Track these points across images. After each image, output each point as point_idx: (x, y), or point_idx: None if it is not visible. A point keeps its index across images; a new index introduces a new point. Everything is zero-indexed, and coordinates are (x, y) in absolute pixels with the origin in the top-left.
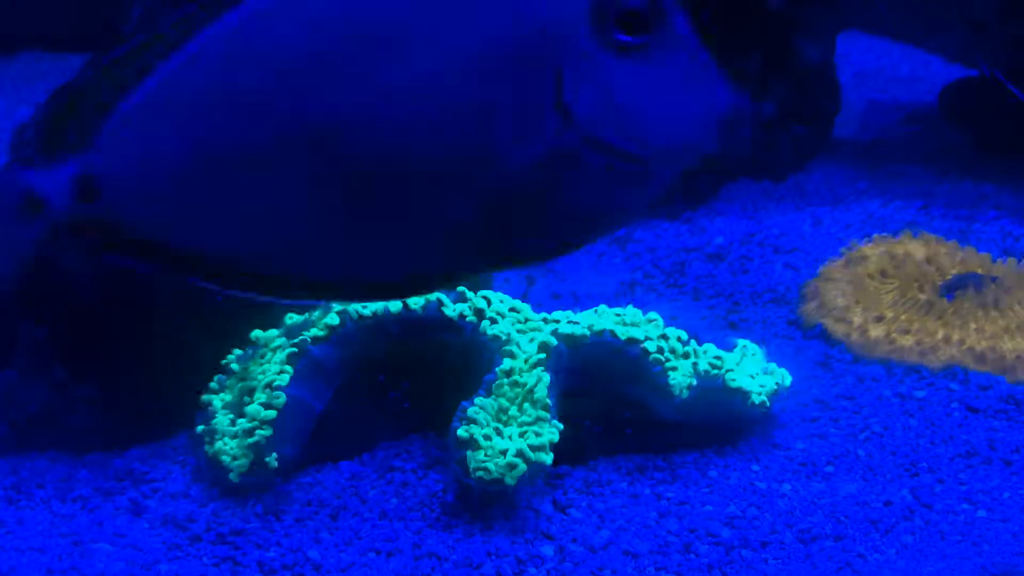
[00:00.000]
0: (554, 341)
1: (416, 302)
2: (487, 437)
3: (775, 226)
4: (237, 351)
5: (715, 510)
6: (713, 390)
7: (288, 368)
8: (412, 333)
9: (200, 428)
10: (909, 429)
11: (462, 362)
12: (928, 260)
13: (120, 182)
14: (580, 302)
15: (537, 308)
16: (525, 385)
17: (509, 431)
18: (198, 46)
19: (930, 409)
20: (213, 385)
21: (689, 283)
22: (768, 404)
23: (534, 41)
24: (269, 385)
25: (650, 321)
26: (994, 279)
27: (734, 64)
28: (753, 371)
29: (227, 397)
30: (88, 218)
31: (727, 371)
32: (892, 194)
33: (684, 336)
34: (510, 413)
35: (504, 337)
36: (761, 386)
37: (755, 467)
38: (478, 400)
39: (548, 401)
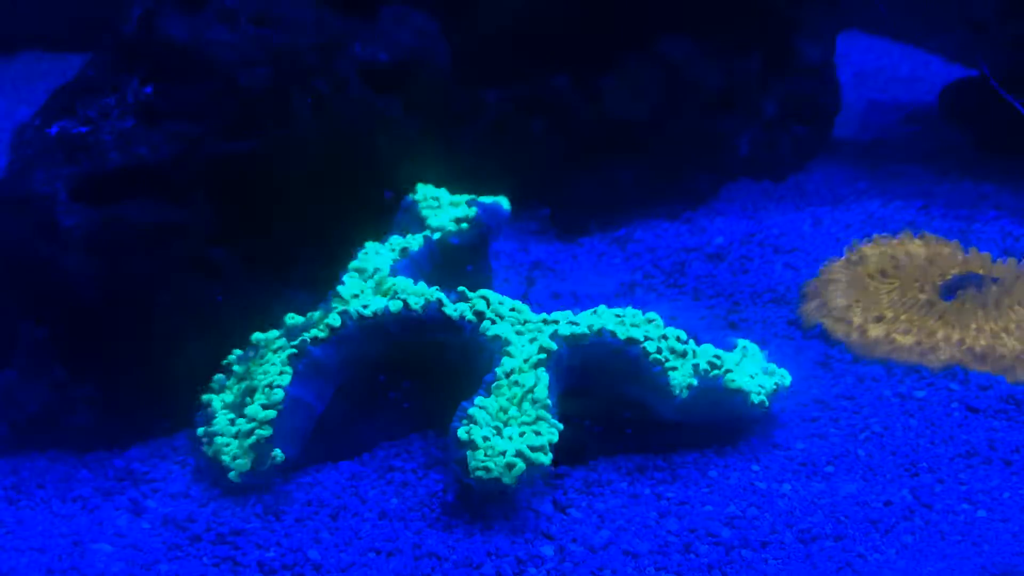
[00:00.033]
0: (554, 342)
1: (416, 302)
2: (487, 437)
3: (775, 226)
4: (237, 351)
5: (715, 510)
6: (713, 390)
7: (288, 368)
8: (412, 333)
9: (201, 430)
10: (909, 429)
11: (462, 362)
12: (928, 260)
13: None
14: (580, 302)
15: (537, 308)
16: (525, 385)
17: (509, 431)
18: None
19: (930, 409)
20: (213, 385)
21: (689, 283)
22: (768, 404)
23: None
24: (269, 385)
25: (650, 321)
26: (994, 279)
27: (734, 64)
28: (753, 371)
29: (227, 397)
30: None
31: (727, 371)
32: (892, 194)
33: (684, 336)
34: (510, 413)
35: (504, 337)
36: (761, 386)
37: (755, 467)
38: (478, 400)
39: (548, 401)
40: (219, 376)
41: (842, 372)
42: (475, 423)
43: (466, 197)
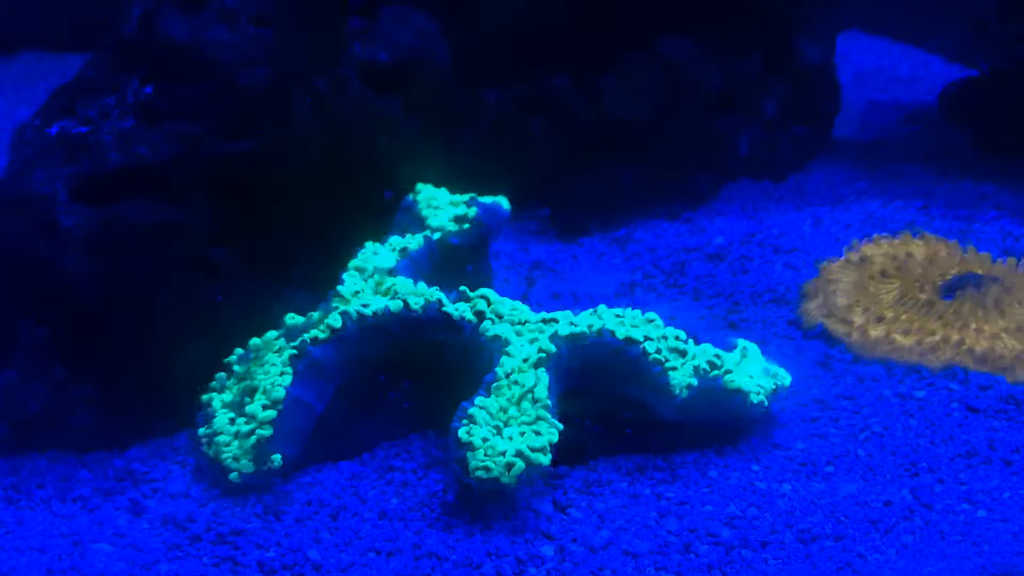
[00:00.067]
0: (553, 343)
1: (416, 302)
2: (486, 437)
3: (775, 226)
4: (238, 351)
5: (715, 510)
6: (713, 390)
7: (288, 369)
8: (412, 333)
9: (202, 431)
10: (909, 429)
11: (462, 362)
12: (928, 260)
13: None
14: (580, 302)
15: (537, 308)
16: (525, 385)
17: (509, 431)
18: None
19: (930, 409)
20: (213, 385)
21: (689, 283)
22: (767, 404)
23: None
24: (270, 385)
25: (649, 321)
26: (994, 279)
27: (734, 64)
28: (753, 371)
29: (227, 397)
30: None
31: (726, 371)
32: (892, 194)
33: (684, 336)
34: (510, 413)
35: (504, 337)
36: (760, 386)
37: (755, 467)
38: (478, 400)
39: (548, 401)
40: (220, 375)
41: (842, 372)
42: (475, 423)
43: (466, 197)
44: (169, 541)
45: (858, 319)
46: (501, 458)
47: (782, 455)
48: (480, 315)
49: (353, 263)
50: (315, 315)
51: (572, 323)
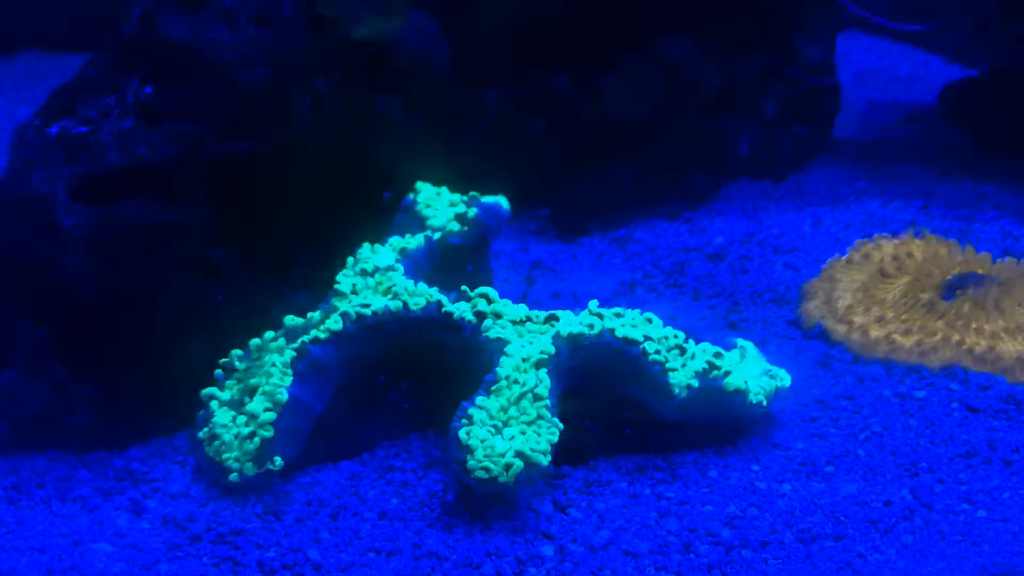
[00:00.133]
0: (554, 343)
1: (416, 303)
2: (486, 437)
3: (775, 226)
4: (237, 351)
5: (715, 510)
6: (712, 390)
7: (288, 370)
8: (412, 333)
9: (202, 432)
10: (909, 429)
11: (462, 362)
12: (928, 260)
13: None
14: (580, 302)
15: (537, 308)
16: (525, 385)
17: (509, 431)
18: None
19: (930, 409)
20: (214, 384)
21: (689, 283)
22: (767, 404)
23: None
24: (271, 387)
25: (649, 321)
26: (994, 279)
27: (734, 64)
28: (753, 371)
29: (227, 396)
30: None
31: (726, 372)
32: (892, 194)
33: (683, 336)
34: (510, 413)
35: (504, 337)
36: (760, 386)
37: (755, 467)
38: (478, 400)
39: (548, 401)
40: (219, 374)
41: (842, 372)
42: (475, 423)
43: (466, 197)
44: (169, 541)
45: (858, 319)
46: (501, 458)
47: (782, 455)
48: (480, 315)
49: (352, 263)
50: (315, 315)
51: (572, 323)
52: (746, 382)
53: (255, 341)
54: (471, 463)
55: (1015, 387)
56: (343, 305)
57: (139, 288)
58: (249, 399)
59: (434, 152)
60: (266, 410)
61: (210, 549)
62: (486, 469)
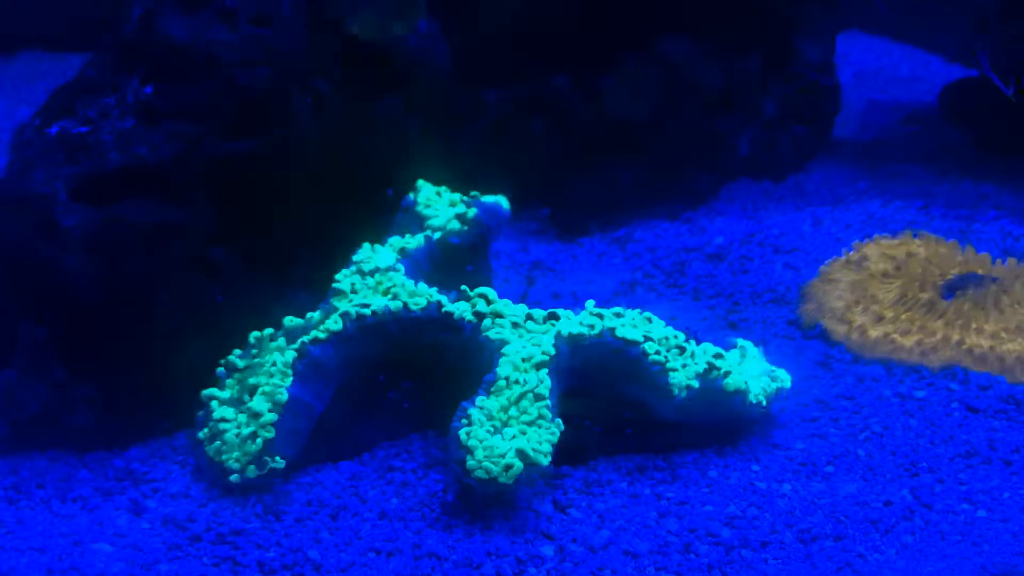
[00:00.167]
0: (554, 341)
1: (416, 303)
2: (486, 437)
3: (775, 226)
4: (237, 351)
5: (715, 510)
6: (712, 390)
7: (288, 370)
8: (412, 333)
9: (202, 432)
10: (909, 429)
11: (462, 362)
12: (928, 260)
13: None
14: (580, 302)
15: (537, 308)
16: (525, 385)
17: (509, 431)
18: None
19: (930, 409)
20: (214, 385)
21: (689, 283)
22: (767, 404)
23: None
24: (271, 388)
25: (649, 321)
26: (994, 279)
27: (734, 64)
28: (753, 371)
29: (227, 394)
30: None
31: (726, 372)
32: (892, 194)
33: (683, 336)
34: (510, 413)
35: (504, 337)
36: (761, 387)
37: (755, 467)
38: (478, 400)
39: (548, 401)
40: (220, 372)
41: (842, 372)
42: (475, 423)
43: (466, 197)
44: (169, 541)
45: (858, 319)
46: (501, 459)
47: (782, 455)
48: (480, 315)
49: (352, 263)
50: (315, 316)
51: (572, 323)
52: (746, 382)
53: (255, 334)
54: (471, 463)
55: (1015, 387)
56: (343, 305)
57: (139, 288)
58: (249, 397)
59: (434, 152)
60: (268, 411)
61: (210, 549)
62: (486, 469)
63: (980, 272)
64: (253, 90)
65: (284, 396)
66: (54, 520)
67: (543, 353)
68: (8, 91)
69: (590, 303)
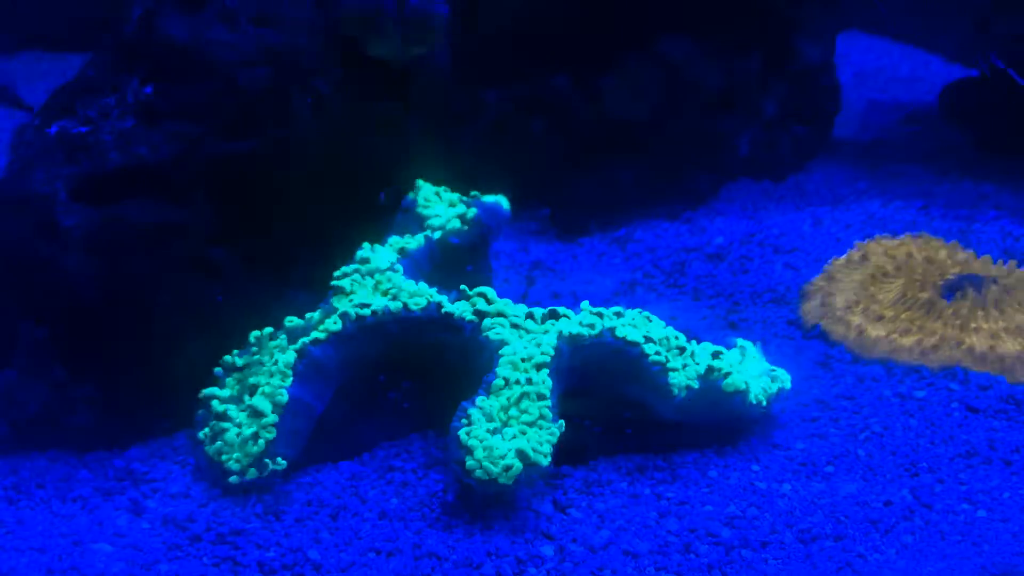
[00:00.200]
0: (554, 341)
1: (416, 303)
2: (487, 437)
3: (775, 226)
4: (236, 352)
5: (715, 510)
6: (713, 390)
7: (289, 370)
8: (412, 333)
9: (202, 432)
10: (909, 429)
11: (462, 362)
12: (928, 260)
13: None
14: (580, 302)
15: (537, 308)
16: (525, 385)
17: (509, 431)
18: None
19: (930, 409)
20: (214, 385)
21: (689, 283)
22: (767, 404)
23: None
24: (271, 387)
25: (649, 321)
26: (994, 280)
27: (734, 64)
28: (753, 371)
29: (226, 393)
30: None
31: (726, 372)
32: (892, 194)
33: (683, 336)
34: (510, 413)
35: (504, 337)
36: (761, 387)
37: (755, 467)
38: (478, 400)
39: (548, 401)
40: (219, 371)
41: (842, 372)
42: (475, 423)
43: (466, 197)
44: (169, 541)
45: (858, 319)
46: (501, 459)
47: (782, 455)
48: (480, 315)
49: (352, 262)
50: (315, 316)
51: (572, 323)
52: (746, 383)
53: (255, 333)
54: (471, 463)
55: (1015, 387)
56: (343, 305)
57: (139, 288)
58: (249, 396)
59: (434, 152)
60: (269, 412)
61: (210, 549)
62: (486, 470)
63: (980, 272)
64: (253, 90)
65: (284, 397)
66: (54, 520)
67: (543, 353)
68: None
69: (586, 304)
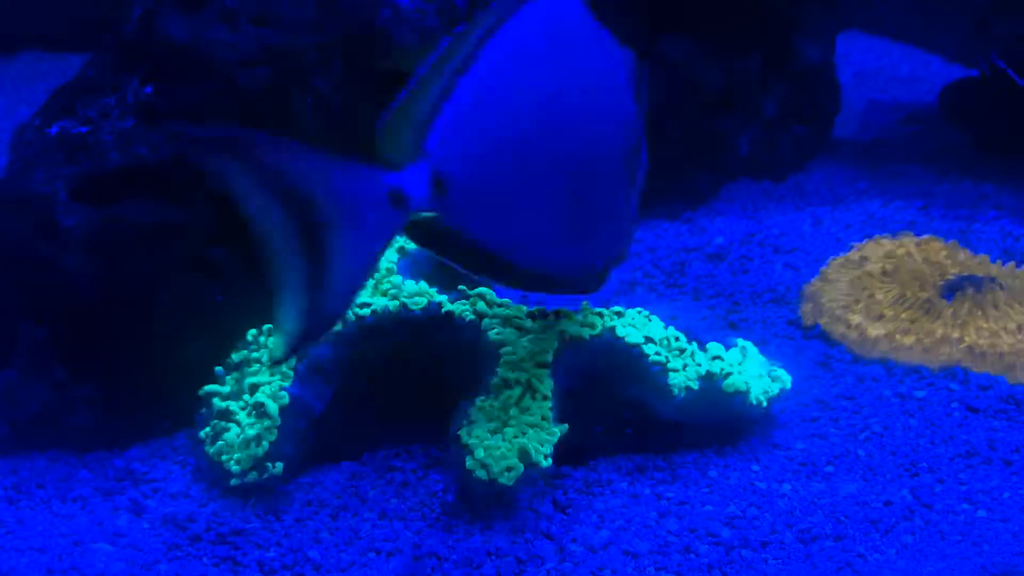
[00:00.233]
0: (555, 341)
1: (416, 303)
2: (487, 437)
3: (775, 226)
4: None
5: (715, 510)
6: (713, 390)
7: (290, 371)
8: (412, 333)
9: (203, 432)
10: (909, 429)
11: (462, 362)
12: (928, 260)
13: (460, 180)
14: (580, 302)
15: (537, 308)
16: (525, 385)
17: (509, 431)
18: (483, 71)
19: (930, 409)
20: (214, 383)
21: (689, 283)
22: (767, 404)
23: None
24: (272, 390)
25: (649, 320)
26: (994, 279)
27: (734, 64)
28: (753, 371)
29: (226, 389)
30: (435, 211)
31: (726, 372)
32: (892, 194)
33: (684, 336)
34: (510, 413)
35: (504, 337)
36: (762, 388)
37: (755, 467)
38: (478, 400)
39: (549, 401)
40: (218, 370)
41: (842, 372)
42: (475, 423)
43: None
44: (169, 541)
45: (858, 319)
46: (501, 459)
47: (782, 455)
48: (480, 315)
49: None
50: None
51: (572, 323)
52: (747, 383)
53: (252, 332)
54: (471, 463)
55: (1015, 387)
56: None
57: (139, 288)
58: (249, 395)
59: None
60: (270, 414)
61: (210, 549)
62: (487, 470)
63: (980, 272)
64: (253, 90)
65: (286, 399)
66: (54, 520)
67: (544, 353)
68: (8, 91)
69: (586, 304)
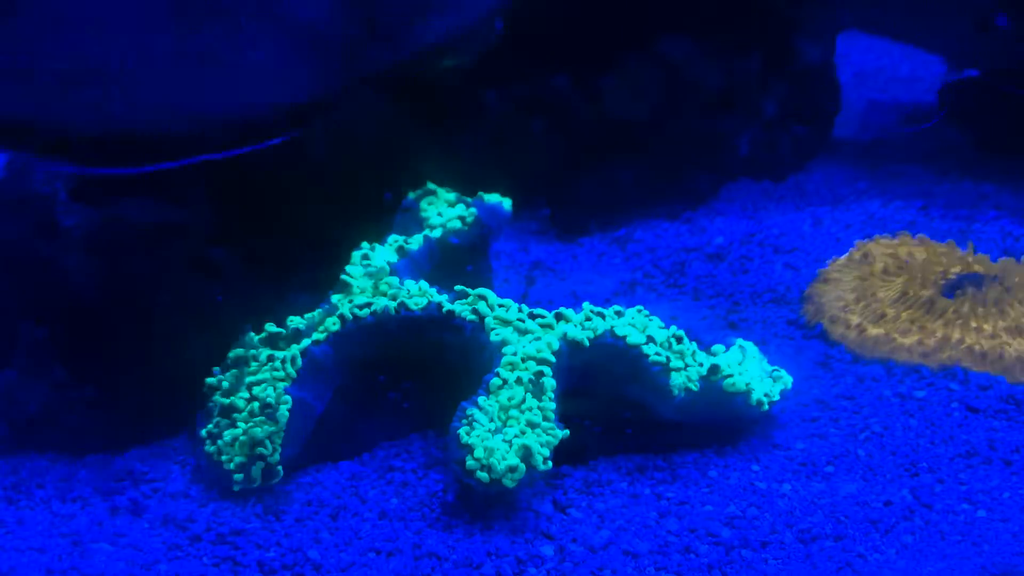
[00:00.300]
0: (555, 341)
1: (416, 302)
2: (487, 437)
3: (775, 226)
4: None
5: (715, 510)
6: (713, 391)
7: (292, 372)
8: (412, 333)
9: (203, 432)
10: (909, 429)
11: (462, 362)
12: (928, 260)
13: None
14: (580, 302)
15: (537, 308)
16: (525, 385)
17: (510, 431)
18: None
19: (930, 409)
20: (212, 382)
21: (689, 283)
22: (767, 404)
23: None
24: (273, 391)
25: (649, 320)
26: (994, 279)
27: (734, 64)
28: (753, 372)
29: (225, 386)
30: None
31: (726, 372)
32: (892, 194)
33: (684, 337)
34: (510, 413)
35: (504, 337)
36: (763, 388)
37: (755, 467)
38: (479, 400)
39: (549, 402)
40: (217, 369)
41: (842, 372)
42: (475, 423)
43: (468, 198)
44: (169, 541)
45: (858, 319)
46: (502, 459)
47: (782, 455)
48: (480, 315)
49: (352, 262)
50: (315, 315)
51: (572, 323)
52: (748, 384)
53: (252, 336)
54: (471, 463)
55: (1015, 387)
56: (342, 305)
57: (139, 288)
58: (248, 395)
59: (434, 152)
60: (271, 414)
61: (210, 549)
62: (487, 469)
63: (980, 271)
64: None
65: (288, 402)
66: (54, 520)
67: (544, 353)
68: None
69: (587, 304)
